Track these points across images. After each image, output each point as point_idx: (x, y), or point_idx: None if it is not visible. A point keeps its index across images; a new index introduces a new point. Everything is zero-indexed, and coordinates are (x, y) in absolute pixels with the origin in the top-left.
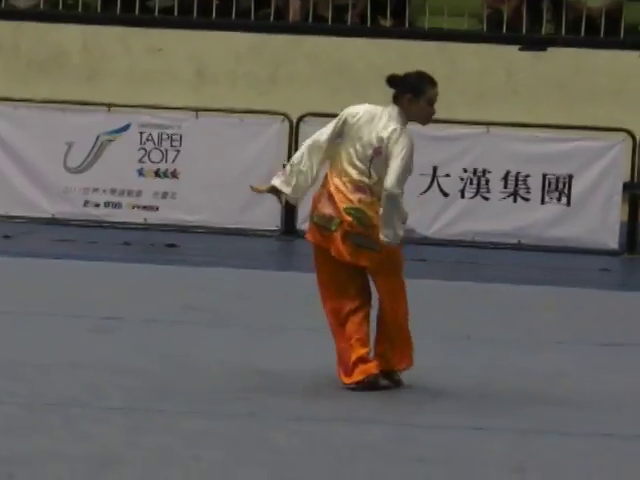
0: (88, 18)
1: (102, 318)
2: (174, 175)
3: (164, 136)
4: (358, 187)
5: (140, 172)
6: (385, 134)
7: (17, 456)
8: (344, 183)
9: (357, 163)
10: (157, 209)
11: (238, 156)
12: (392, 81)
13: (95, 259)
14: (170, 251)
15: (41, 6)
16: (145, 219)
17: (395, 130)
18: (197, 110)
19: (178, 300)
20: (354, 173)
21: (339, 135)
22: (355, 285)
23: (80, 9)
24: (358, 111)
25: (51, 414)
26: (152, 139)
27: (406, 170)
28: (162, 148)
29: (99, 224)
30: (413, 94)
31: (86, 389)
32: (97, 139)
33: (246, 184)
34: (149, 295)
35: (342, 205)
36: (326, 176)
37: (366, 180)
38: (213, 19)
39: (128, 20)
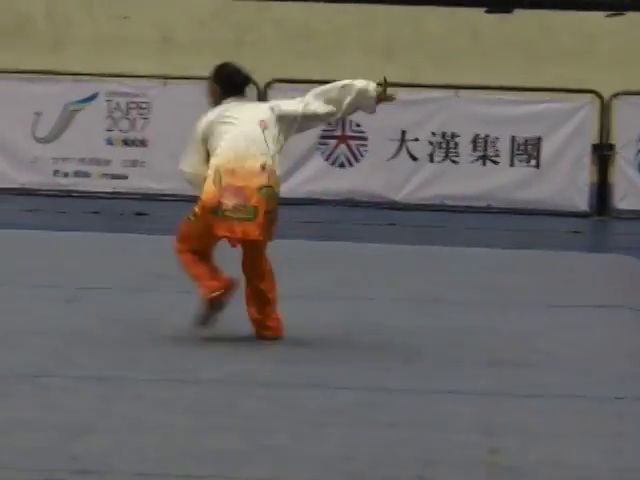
0: None
1: (72, 288)
2: (143, 144)
3: (132, 104)
4: None
5: (108, 141)
6: None
7: None
8: None
9: None
10: (126, 178)
11: None
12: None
13: (65, 229)
14: (139, 219)
15: None
16: (114, 188)
17: None
18: (165, 78)
19: (147, 268)
20: None
21: None
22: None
23: None
24: None
25: (21, 383)
26: (120, 108)
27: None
28: (130, 117)
29: (68, 193)
30: None
31: (56, 358)
32: (65, 108)
33: None
34: (119, 264)
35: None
36: None
37: None
38: None
39: None
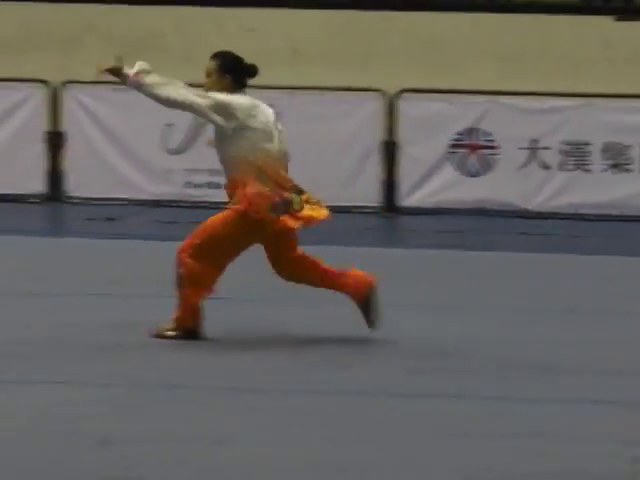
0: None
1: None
2: None
3: None
4: None
5: None
6: None
7: (128, 438)
8: None
9: None
10: None
11: (335, 134)
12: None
13: None
14: None
15: None
16: None
17: None
18: (293, 89)
19: (276, 280)
20: None
21: None
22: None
23: None
24: None
25: (157, 395)
26: None
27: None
28: None
29: (199, 205)
30: None
31: (192, 369)
32: (195, 120)
33: (344, 162)
34: (253, 274)
35: None
36: None
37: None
38: None
39: (221, 0)
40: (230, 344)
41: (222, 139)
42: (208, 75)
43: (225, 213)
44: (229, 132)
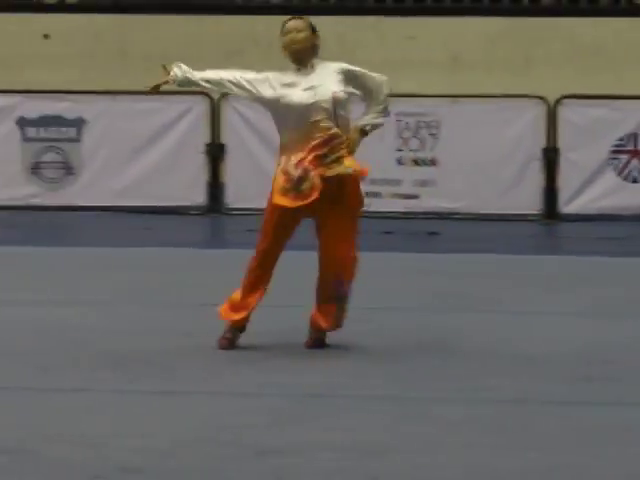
0: (342, 9)
1: (363, 308)
2: (433, 163)
3: (422, 124)
4: None
5: (399, 161)
6: None
7: (287, 447)
8: None
9: None
10: (417, 197)
11: (496, 141)
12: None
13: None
14: (431, 239)
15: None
16: (406, 207)
17: None
18: (454, 96)
19: (439, 287)
20: None
21: None
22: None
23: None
24: None
25: (316, 404)
26: (410, 127)
27: None
28: (420, 136)
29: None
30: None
31: (347, 377)
32: None
33: (505, 169)
34: (410, 283)
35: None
36: None
37: None
38: (466, 4)
39: (382, 9)
40: (388, 352)
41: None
42: (300, 31)
43: None
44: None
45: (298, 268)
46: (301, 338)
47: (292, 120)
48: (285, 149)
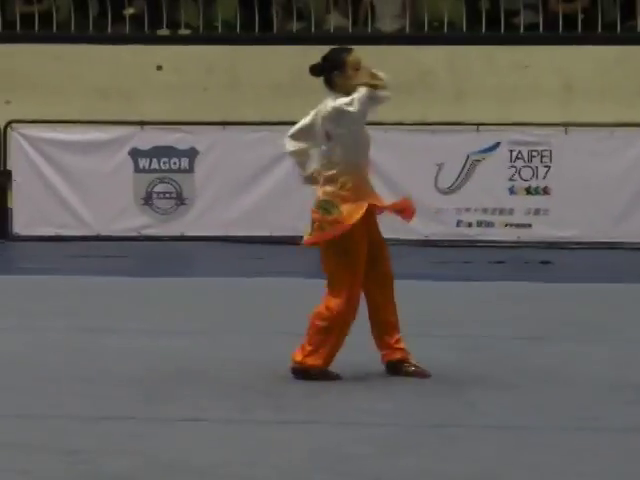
0: (454, 38)
1: (473, 336)
2: (545, 192)
3: (534, 153)
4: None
5: (511, 190)
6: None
7: (400, 477)
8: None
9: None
10: (530, 226)
11: (609, 170)
12: (315, 70)
13: (468, 279)
14: (544, 268)
15: (407, 29)
16: (518, 237)
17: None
18: (566, 125)
19: (551, 316)
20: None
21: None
22: None
23: (446, 30)
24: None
25: (428, 434)
26: (522, 156)
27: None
28: (532, 165)
29: (472, 244)
30: (338, 69)
31: (462, 407)
32: (467, 159)
33: (617, 197)
34: (523, 312)
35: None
36: None
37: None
38: (579, 33)
39: (494, 38)
40: (501, 381)
41: None
42: (358, 68)
43: None
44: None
45: None
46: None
47: None
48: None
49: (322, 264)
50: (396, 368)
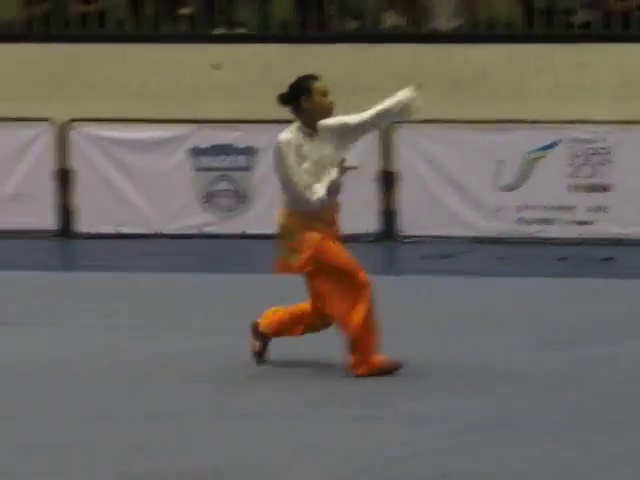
0: (511, 37)
1: (540, 336)
2: (605, 189)
3: (593, 150)
4: None
5: (571, 187)
6: None
7: (465, 476)
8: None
9: None
10: (591, 223)
11: None
12: (283, 99)
13: (531, 275)
14: (606, 265)
15: (463, 27)
16: (579, 234)
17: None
18: (625, 123)
19: (612, 315)
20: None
21: None
22: None
23: (504, 28)
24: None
25: (492, 433)
26: (581, 154)
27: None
28: (591, 163)
29: (534, 241)
30: (305, 95)
31: (526, 406)
32: (526, 156)
33: None
34: (585, 310)
35: None
36: None
37: None
38: (635, 30)
39: (552, 36)
40: (557, 383)
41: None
42: (325, 95)
43: None
44: None
45: None
46: (468, 364)
47: None
48: None
49: (312, 288)
50: (263, 336)
